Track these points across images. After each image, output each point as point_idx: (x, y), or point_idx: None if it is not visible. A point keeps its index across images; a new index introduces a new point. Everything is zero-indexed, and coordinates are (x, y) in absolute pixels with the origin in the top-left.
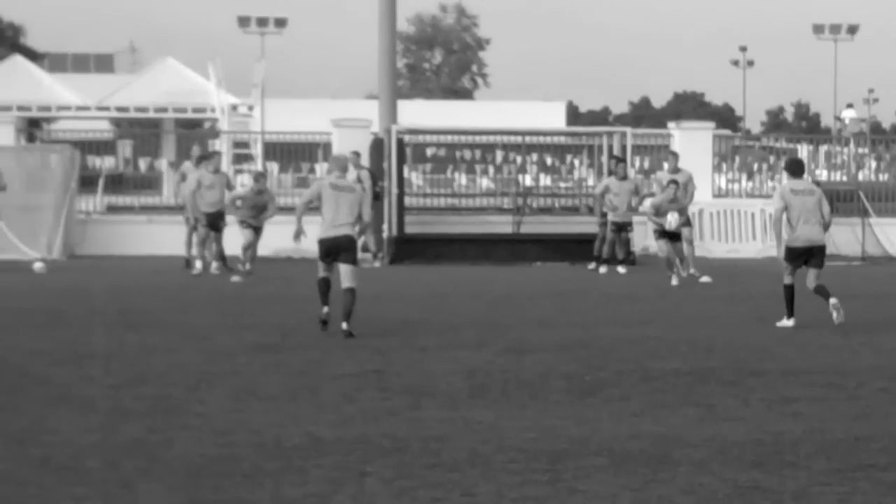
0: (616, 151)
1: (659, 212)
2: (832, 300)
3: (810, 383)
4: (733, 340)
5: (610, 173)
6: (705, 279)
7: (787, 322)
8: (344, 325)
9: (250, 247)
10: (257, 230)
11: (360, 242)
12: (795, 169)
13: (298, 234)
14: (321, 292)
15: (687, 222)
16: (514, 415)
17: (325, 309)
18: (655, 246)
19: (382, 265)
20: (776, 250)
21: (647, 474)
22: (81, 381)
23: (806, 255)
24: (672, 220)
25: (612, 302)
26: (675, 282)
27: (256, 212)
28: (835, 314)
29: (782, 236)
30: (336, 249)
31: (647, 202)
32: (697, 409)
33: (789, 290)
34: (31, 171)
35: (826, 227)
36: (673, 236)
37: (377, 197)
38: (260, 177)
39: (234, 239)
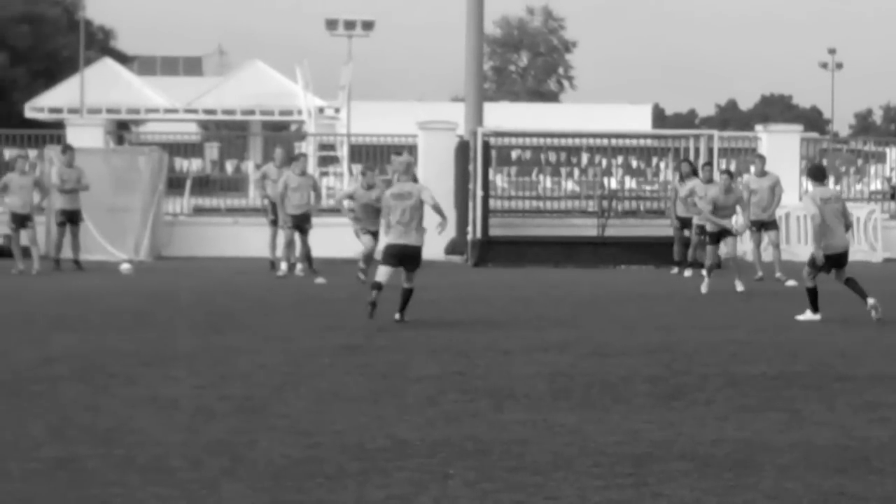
0: (703, 154)
1: (717, 205)
2: (870, 300)
3: None
4: (818, 344)
5: (681, 177)
6: (791, 283)
7: (812, 316)
8: (397, 316)
9: (370, 253)
10: (376, 235)
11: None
12: (819, 175)
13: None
14: (373, 293)
15: (774, 226)
16: (597, 418)
17: (374, 293)
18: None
19: (467, 267)
20: (817, 252)
21: (730, 479)
22: (167, 381)
23: (834, 261)
24: (737, 223)
25: (696, 305)
26: (705, 289)
27: (375, 214)
28: (873, 313)
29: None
30: (402, 257)
31: (699, 203)
32: (782, 414)
33: (814, 292)
34: (119, 173)
35: (847, 229)
36: (716, 239)
37: None
38: (368, 171)
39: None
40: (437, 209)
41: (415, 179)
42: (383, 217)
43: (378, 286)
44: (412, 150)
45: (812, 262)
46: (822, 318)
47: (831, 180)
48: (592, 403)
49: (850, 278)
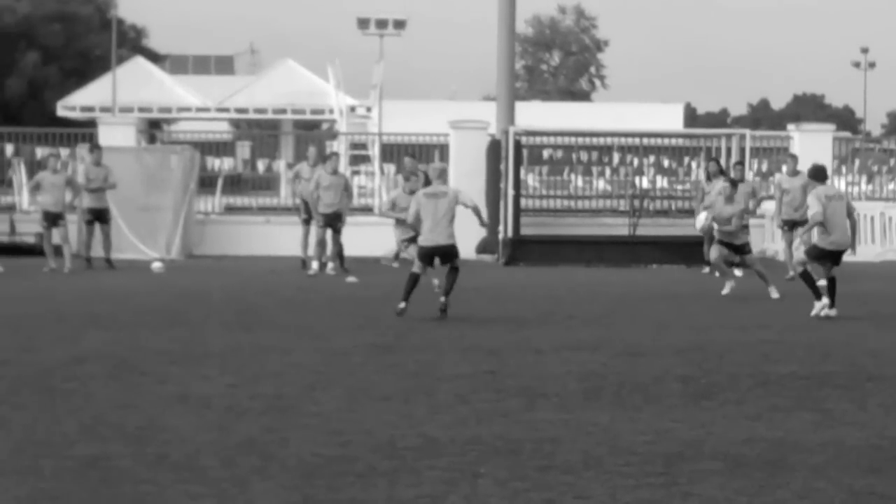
0: (735, 154)
1: (716, 215)
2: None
3: None
4: (850, 344)
5: (708, 177)
6: (822, 283)
7: (821, 305)
8: (442, 299)
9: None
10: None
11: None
12: (822, 175)
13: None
14: (408, 286)
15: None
16: (628, 417)
17: (402, 304)
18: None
19: (498, 266)
20: (810, 248)
21: (762, 479)
22: (198, 379)
23: (835, 258)
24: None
25: (727, 305)
26: (727, 290)
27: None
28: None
29: (813, 236)
30: (435, 256)
31: (702, 211)
32: (814, 414)
33: (810, 276)
34: (151, 172)
35: (852, 228)
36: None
37: None
38: (412, 175)
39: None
40: (477, 211)
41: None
42: (410, 216)
43: (415, 278)
44: (443, 149)
45: (810, 254)
46: (857, 317)
47: (864, 179)
48: (623, 403)
49: (833, 277)
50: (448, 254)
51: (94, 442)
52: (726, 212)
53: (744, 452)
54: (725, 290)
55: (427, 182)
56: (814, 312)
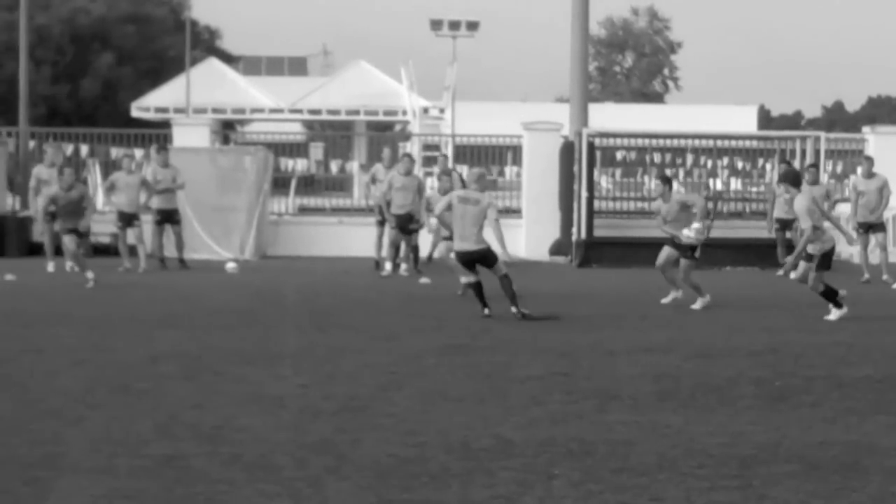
0: (809, 156)
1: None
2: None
3: None
4: None
5: (780, 180)
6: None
7: (839, 312)
8: (513, 310)
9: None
10: None
11: (503, 251)
12: (798, 182)
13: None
14: (476, 295)
15: (881, 227)
16: (702, 419)
17: (486, 311)
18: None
19: (571, 268)
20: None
21: (837, 482)
22: (272, 380)
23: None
24: (689, 234)
25: (801, 307)
26: (668, 299)
27: None
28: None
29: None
30: (471, 262)
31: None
32: (889, 417)
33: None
34: (225, 173)
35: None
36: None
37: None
38: (443, 175)
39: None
40: (498, 232)
41: (483, 191)
42: (437, 209)
43: (469, 285)
44: (517, 150)
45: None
46: None
47: None
48: (697, 405)
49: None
50: (484, 259)
51: (168, 441)
52: (667, 211)
53: (819, 455)
54: (666, 300)
55: (463, 184)
56: (833, 317)
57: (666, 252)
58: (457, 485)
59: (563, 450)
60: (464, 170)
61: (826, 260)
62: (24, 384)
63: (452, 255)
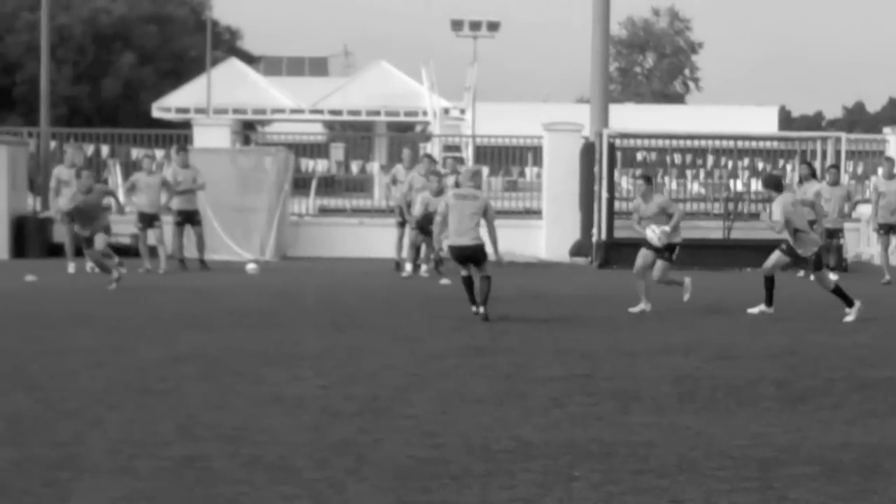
0: (830, 157)
1: (640, 214)
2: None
3: None
4: None
5: (800, 180)
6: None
7: (852, 311)
8: (480, 309)
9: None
10: None
11: (494, 252)
12: (780, 187)
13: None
14: (466, 292)
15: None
16: (722, 421)
17: (474, 308)
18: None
19: (591, 269)
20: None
21: (858, 483)
22: (292, 381)
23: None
24: (652, 234)
25: (821, 309)
26: (636, 309)
27: None
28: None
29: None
30: (464, 258)
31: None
32: None
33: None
34: (245, 174)
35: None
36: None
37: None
38: (430, 175)
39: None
40: (493, 233)
41: (478, 188)
42: (438, 216)
43: (467, 280)
44: (537, 151)
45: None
46: None
47: None
48: (718, 406)
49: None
50: (475, 256)
51: (188, 442)
52: (651, 210)
53: (839, 457)
54: (634, 310)
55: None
56: (849, 319)
57: (642, 256)
58: (477, 486)
59: (584, 451)
60: (484, 171)
61: (819, 261)
62: (45, 385)
63: (443, 252)
